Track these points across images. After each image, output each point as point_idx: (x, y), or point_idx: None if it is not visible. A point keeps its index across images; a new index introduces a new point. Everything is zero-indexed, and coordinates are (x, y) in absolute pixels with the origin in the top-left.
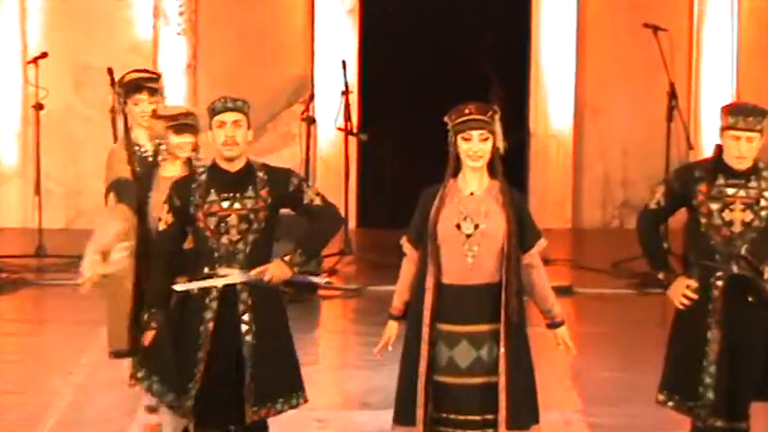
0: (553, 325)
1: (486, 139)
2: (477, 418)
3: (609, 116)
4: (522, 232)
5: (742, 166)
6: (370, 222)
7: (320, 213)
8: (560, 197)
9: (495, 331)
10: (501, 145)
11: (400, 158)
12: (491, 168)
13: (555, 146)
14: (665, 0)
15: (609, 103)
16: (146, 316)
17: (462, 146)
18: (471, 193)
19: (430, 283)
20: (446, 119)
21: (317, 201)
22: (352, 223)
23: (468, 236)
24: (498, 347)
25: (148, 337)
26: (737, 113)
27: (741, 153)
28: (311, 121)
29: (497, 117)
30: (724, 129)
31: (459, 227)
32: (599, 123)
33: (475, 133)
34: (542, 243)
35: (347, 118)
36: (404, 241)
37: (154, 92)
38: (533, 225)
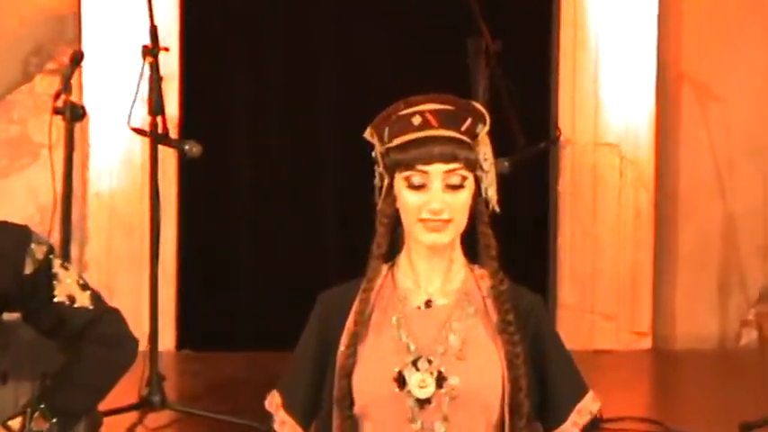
0: None
1: (459, 185)
2: None
3: (731, 105)
4: (545, 390)
5: None
6: (206, 339)
7: (86, 329)
8: (626, 280)
9: None
10: (492, 194)
11: (273, 196)
12: (471, 245)
13: (615, 167)
14: None
15: (729, 78)
16: None
17: (407, 198)
18: (427, 303)
19: None
20: (370, 133)
21: (82, 300)
22: (166, 341)
23: (424, 401)
24: None
25: None
26: None
27: None
28: (76, 113)
29: (484, 129)
30: None
31: (401, 381)
32: (711, 119)
33: (435, 170)
34: (590, 405)
35: (156, 108)
36: (274, 407)
37: None
38: (568, 368)
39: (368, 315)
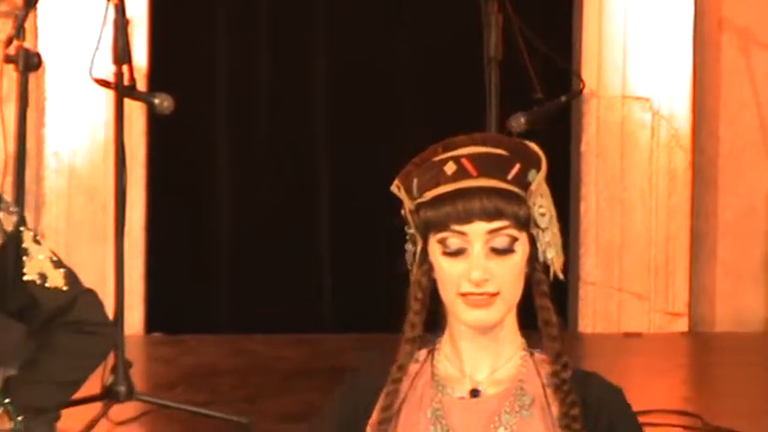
0: None
1: (507, 249)
2: None
3: None
4: None
5: None
6: (178, 321)
7: (59, 313)
8: (660, 254)
9: None
10: (555, 256)
11: (254, 158)
12: (528, 323)
13: (647, 124)
14: None
15: None
16: None
17: (444, 265)
18: (473, 392)
19: None
20: (397, 186)
21: (55, 280)
22: (133, 324)
23: None
24: None
25: None
26: None
27: None
28: (30, 61)
29: (540, 176)
30: None
31: None
32: (758, 71)
33: (476, 230)
34: None
35: (122, 56)
36: None
37: None
38: None
39: (395, 410)
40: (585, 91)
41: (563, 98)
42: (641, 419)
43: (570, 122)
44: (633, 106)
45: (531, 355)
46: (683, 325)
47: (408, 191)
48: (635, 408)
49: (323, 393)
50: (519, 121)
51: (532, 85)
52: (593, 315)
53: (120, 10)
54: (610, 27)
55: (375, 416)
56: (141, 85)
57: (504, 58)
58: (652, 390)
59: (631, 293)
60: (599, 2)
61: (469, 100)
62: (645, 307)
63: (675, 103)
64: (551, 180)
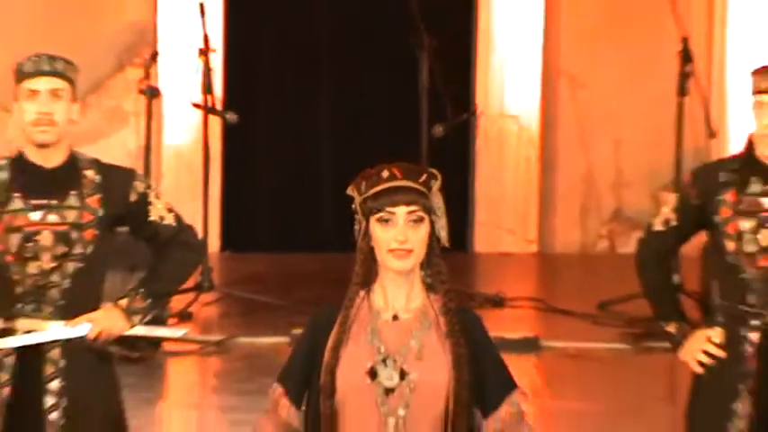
0: None
1: (418, 221)
2: None
3: (593, 89)
4: (483, 383)
5: None
6: (241, 243)
7: (172, 238)
8: (521, 207)
9: None
10: (444, 232)
11: (284, 149)
12: (428, 273)
13: (514, 132)
14: None
15: (592, 70)
16: None
17: (378, 234)
18: (394, 317)
19: None
20: (351, 189)
21: (169, 219)
22: (213, 245)
23: (389, 390)
24: None
25: None
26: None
27: None
28: (153, 93)
29: (437, 185)
30: (753, 94)
31: (373, 374)
32: (579, 100)
33: (400, 211)
34: (518, 398)
35: (207, 89)
36: (276, 394)
37: None
38: (501, 367)
39: (348, 326)
40: (478, 111)
41: (465, 115)
42: (511, 305)
43: (469, 130)
44: (507, 120)
45: (429, 295)
46: (534, 248)
47: (359, 191)
48: (508, 296)
49: (339, 291)
50: (438, 130)
51: (447, 107)
52: (483, 242)
53: (207, 62)
54: (494, 72)
55: (335, 332)
56: (219, 106)
57: (430, 88)
58: (516, 287)
59: (506, 229)
60: (487, 55)
61: (406, 114)
62: (513, 238)
63: (532, 119)
64: (456, 173)
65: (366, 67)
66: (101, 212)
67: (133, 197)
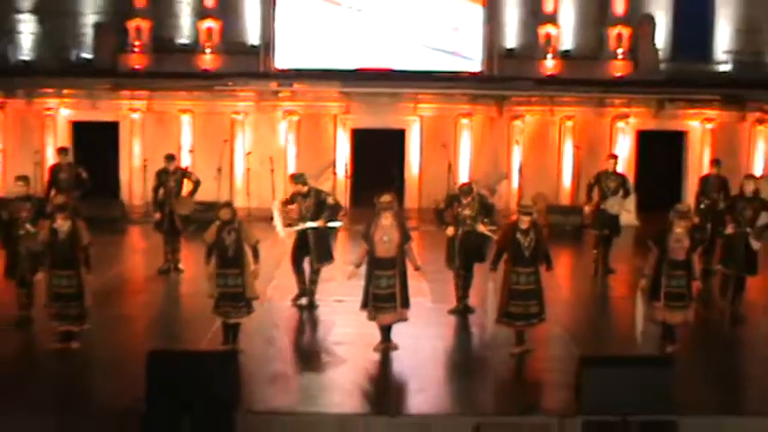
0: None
1: (395, 223)
2: None
3: None
4: (409, 235)
5: None
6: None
7: (332, 208)
8: (430, 188)
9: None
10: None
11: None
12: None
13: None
14: None
15: None
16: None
17: (377, 230)
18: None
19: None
20: (375, 203)
21: (330, 201)
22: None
23: (387, 245)
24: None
25: None
26: None
27: None
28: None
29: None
30: None
31: (382, 238)
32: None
33: (387, 217)
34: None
35: None
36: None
37: None
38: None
39: (374, 224)
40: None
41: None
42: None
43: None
44: None
45: (396, 218)
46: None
47: (374, 205)
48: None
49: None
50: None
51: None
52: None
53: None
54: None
55: (372, 225)
56: None
57: None
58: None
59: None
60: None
61: None
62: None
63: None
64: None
65: None
66: None
67: (322, 198)
